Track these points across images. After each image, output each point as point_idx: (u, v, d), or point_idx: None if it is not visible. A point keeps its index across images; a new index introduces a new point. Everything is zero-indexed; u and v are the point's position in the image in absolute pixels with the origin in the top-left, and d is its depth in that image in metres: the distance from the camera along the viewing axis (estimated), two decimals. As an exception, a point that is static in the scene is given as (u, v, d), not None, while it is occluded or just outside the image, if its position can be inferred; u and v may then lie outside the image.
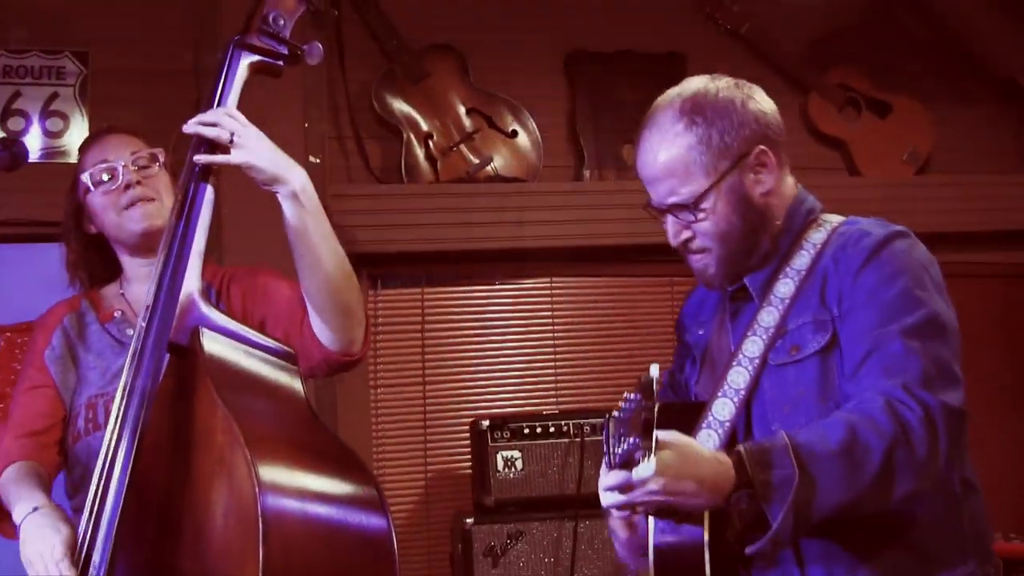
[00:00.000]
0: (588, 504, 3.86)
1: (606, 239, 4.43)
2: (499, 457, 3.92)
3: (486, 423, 3.96)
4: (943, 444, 1.88)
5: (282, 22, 2.43)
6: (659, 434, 1.76)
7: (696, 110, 2.11)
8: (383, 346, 4.40)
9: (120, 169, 2.58)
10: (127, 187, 2.56)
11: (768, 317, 2.10)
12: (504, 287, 4.56)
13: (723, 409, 2.07)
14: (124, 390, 2.17)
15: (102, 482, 2.12)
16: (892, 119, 4.79)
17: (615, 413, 1.77)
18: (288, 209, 2.33)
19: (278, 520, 1.97)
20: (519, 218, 4.32)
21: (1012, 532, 4.02)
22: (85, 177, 2.59)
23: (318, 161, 4.03)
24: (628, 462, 1.75)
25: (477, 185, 4.31)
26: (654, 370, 1.76)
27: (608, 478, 1.83)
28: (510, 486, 3.92)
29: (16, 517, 2.32)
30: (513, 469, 3.92)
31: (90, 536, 2.10)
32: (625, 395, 1.76)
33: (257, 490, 1.95)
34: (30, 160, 2.55)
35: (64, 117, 3.96)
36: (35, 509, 2.29)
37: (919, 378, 1.90)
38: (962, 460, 2.07)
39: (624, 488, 1.81)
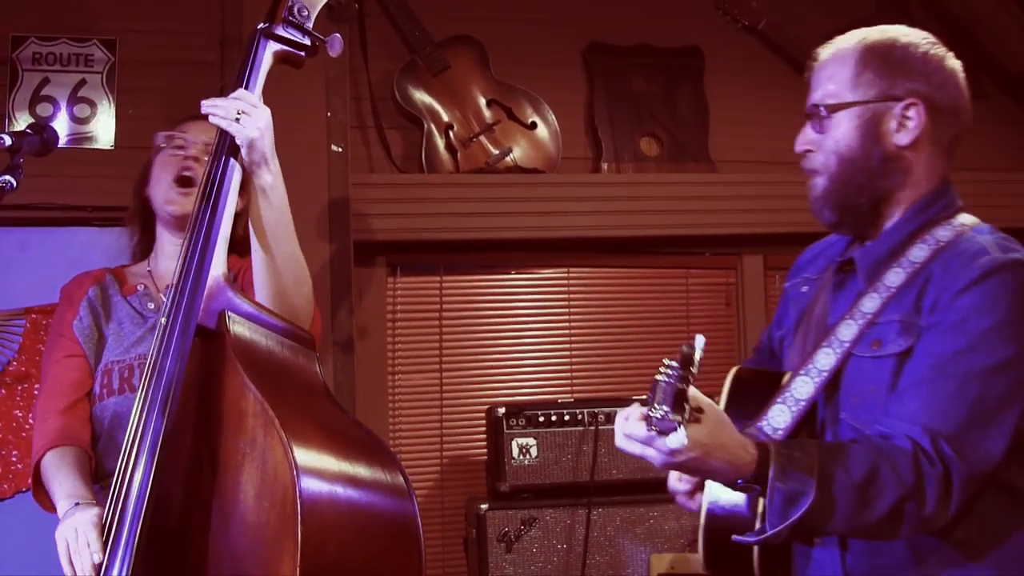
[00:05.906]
0: (602, 492, 3.91)
1: (623, 231, 4.45)
2: (514, 444, 3.93)
3: (502, 410, 3.97)
4: (953, 505, 1.88)
5: (306, 13, 2.49)
6: (701, 402, 1.82)
7: (882, 34, 2.19)
8: (401, 333, 4.42)
9: (190, 144, 2.68)
10: (185, 158, 2.66)
11: (870, 304, 2.05)
12: (521, 276, 4.57)
13: (802, 388, 2.05)
14: (151, 368, 2.19)
15: (130, 464, 2.13)
16: (906, 115, 4.76)
17: (659, 377, 1.75)
18: (258, 200, 2.40)
19: (314, 503, 1.99)
20: (537, 209, 4.33)
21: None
22: (160, 137, 2.71)
23: (340, 150, 4.05)
24: (664, 431, 1.75)
25: (496, 176, 4.31)
26: (699, 340, 1.76)
27: (637, 429, 1.81)
28: (525, 473, 3.93)
29: (59, 510, 2.38)
30: (528, 456, 3.93)
31: (117, 519, 2.11)
32: (665, 362, 1.75)
33: (295, 473, 1.97)
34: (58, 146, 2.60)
35: (92, 104, 3.97)
36: (76, 505, 2.35)
37: (955, 430, 1.88)
38: None
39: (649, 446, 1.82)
